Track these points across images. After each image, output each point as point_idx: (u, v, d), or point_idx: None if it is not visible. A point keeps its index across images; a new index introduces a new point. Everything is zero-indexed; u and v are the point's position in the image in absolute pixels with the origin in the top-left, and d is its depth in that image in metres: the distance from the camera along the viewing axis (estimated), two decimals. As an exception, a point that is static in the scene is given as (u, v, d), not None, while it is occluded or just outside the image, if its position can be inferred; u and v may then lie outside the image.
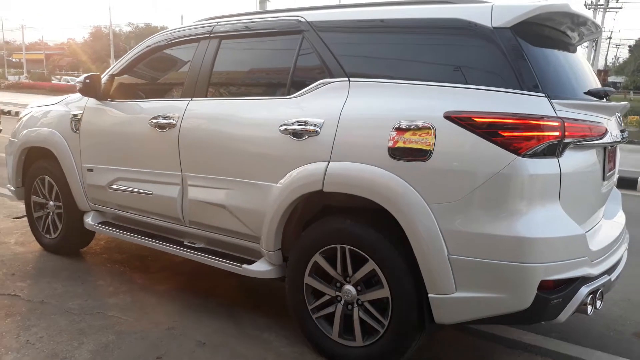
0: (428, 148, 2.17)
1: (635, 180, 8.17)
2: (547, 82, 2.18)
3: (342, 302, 2.51)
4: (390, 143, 2.26)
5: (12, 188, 4.27)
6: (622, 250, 2.59)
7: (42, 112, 4.05)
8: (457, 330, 2.94)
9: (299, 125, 2.54)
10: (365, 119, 2.41)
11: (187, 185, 3.05)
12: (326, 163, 2.43)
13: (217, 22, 3.19)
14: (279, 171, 2.61)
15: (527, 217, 2.06)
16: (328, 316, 2.58)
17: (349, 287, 2.48)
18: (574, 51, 2.67)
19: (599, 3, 37.33)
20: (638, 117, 20.48)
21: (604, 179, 2.53)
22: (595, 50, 36.83)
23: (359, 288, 2.46)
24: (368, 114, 2.41)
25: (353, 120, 2.42)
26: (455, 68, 2.30)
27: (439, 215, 2.15)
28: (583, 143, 2.23)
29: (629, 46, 55.31)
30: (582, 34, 2.66)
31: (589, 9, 37.57)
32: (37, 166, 4.05)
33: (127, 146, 3.40)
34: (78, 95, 3.68)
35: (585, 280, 2.18)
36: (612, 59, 62.72)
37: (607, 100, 2.67)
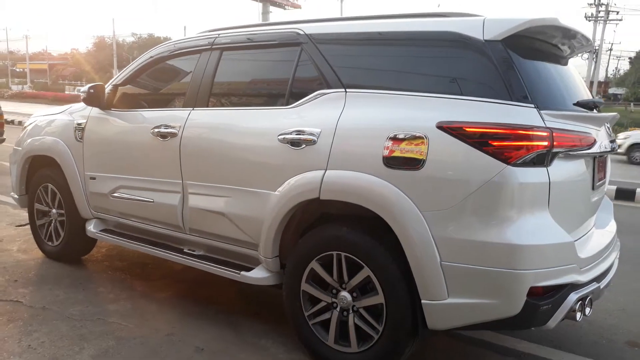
0: (421, 157, 2.23)
1: (634, 192, 8.22)
2: (537, 93, 2.25)
3: (338, 309, 2.56)
4: (385, 152, 2.32)
5: (16, 196, 4.34)
6: (612, 259, 2.64)
7: (46, 121, 4.13)
8: (450, 337, 2.98)
9: (297, 134, 2.60)
10: (361, 129, 2.47)
11: (188, 193, 3.11)
12: (323, 171, 2.49)
13: (219, 34, 3.27)
14: (277, 179, 2.67)
15: (517, 224, 2.11)
16: (324, 322, 2.62)
17: (344, 294, 2.53)
18: (565, 63, 2.74)
19: (599, 15, 37.59)
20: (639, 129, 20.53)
21: (593, 188, 2.59)
22: (595, 62, 37.07)
23: (354, 294, 2.51)
24: (364, 124, 2.47)
25: (349, 129, 2.49)
26: (448, 79, 2.37)
27: (431, 223, 2.21)
28: (572, 153, 2.29)
29: (630, 58, 55.60)
30: (573, 46, 2.73)
31: (589, 20, 37.85)
32: (41, 174, 4.12)
33: (129, 155, 3.47)
34: (82, 104, 3.76)
35: (574, 287, 2.23)
36: (613, 70, 63.01)
37: (597, 111, 2.73)
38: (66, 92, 41.67)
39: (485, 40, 2.29)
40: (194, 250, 3.24)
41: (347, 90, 2.58)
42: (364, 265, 2.42)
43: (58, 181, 3.95)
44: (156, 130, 3.22)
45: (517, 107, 2.17)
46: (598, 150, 2.47)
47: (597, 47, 36.85)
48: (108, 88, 3.68)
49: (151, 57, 3.60)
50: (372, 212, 2.35)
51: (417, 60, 2.52)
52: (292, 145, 2.62)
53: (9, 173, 4.58)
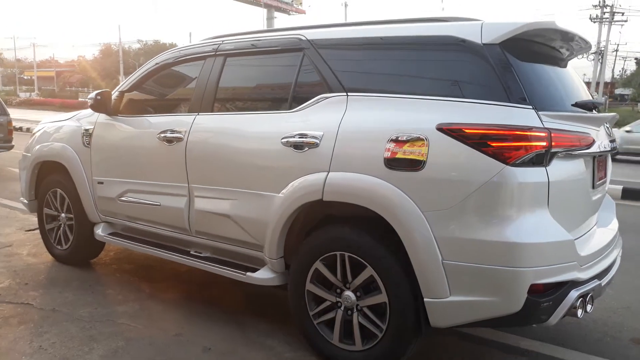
0: (422, 158, 2.28)
1: (640, 192, 8.21)
2: (535, 95, 2.29)
3: (342, 308, 2.60)
4: (387, 154, 2.37)
5: (25, 201, 4.42)
6: (613, 256, 2.67)
7: (54, 127, 4.20)
8: (453, 335, 3.01)
9: (299, 137, 2.66)
10: (363, 132, 2.52)
11: (194, 196, 3.17)
12: (325, 173, 2.54)
13: (223, 41, 3.33)
14: (281, 182, 2.72)
15: (517, 223, 2.15)
16: (329, 321, 2.67)
17: (348, 293, 2.57)
18: (564, 65, 2.78)
19: (604, 16, 37.46)
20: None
21: (593, 187, 2.62)
22: (601, 63, 36.91)
23: (358, 294, 2.55)
24: (365, 127, 2.52)
25: (351, 132, 2.54)
26: (448, 82, 2.42)
27: (432, 223, 2.25)
28: (571, 153, 2.33)
29: (636, 59, 55.32)
30: (572, 48, 2.76)
31: (594, 22, 37.71)
32: (50, 180, 4.19)
33: (136, 159, 3.54)
34: (89, 111, 3.83)
35: (574, 284, 2.26)
36: (620, 71, 62.71)
37: (596, 111, 2.76)
38: (80, 99, 41.78)
39: (484, 44, 2.34)
40: (200, 252, 3.29)
41: (349, 94, 2.63)
42: (367, 265, 2.47)
43: (67, 186, 4.02)
44: (162, 135, 3.29)
45: (515, 108, 2.21)
46: (597, 150, 2.51)
47: (602, 49, 36.72)
48: (115, 94, 3.75)
49: (157, 63, 3.67)
50: (374, 212, 2.40)
51: (417, 64, 2.57)
52: (295, 148, 2.67)
53: (17, 179, 4.66)
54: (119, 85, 3.89)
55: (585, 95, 2.76)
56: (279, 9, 36.34)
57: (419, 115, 2.37)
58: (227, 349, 2.84)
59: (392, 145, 2.36)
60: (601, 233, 2.73)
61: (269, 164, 2.81)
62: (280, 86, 3.07)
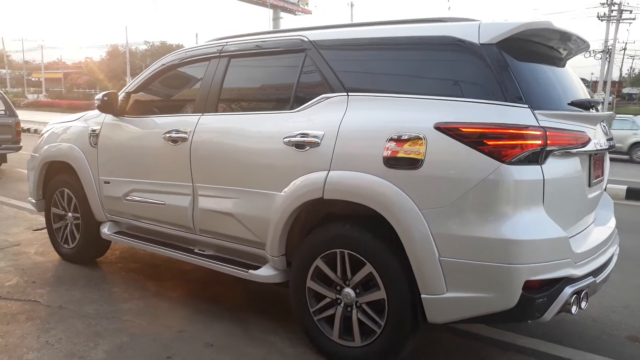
0: (420, 157, 2.32)
1: (643, 191, 8.20)
2: (531, 94, 2.32)
3: (342, 305, 2.65)
4: (386, 153, 2.41)
5: (33, 200, 4.50)
6: (609, 254, 2.70)
7: (62, 128, 4.28)
8: (450, 332, 3.05)
9: (301, 137, 2.71)
10: (362, 131, 2.57)
11: (198, 195, 3.23)
12: (326, 172, 2.59)
13: (227, 42, 3.39)
14: (282, 180, 2.77)
15: (513, 220, 2.19)
16: (329, 318, 2.71)
17: (348, 290, 2.61)
18: (563, 65, 2.81)
19: (612, 14, 37.23)
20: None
21: (589, 186, 2.65)
22: (609, 62, 36.68)
23: (357, 291, 2.59)
24: (365, 126, 2.57)
25: (351, 132, 2.58)
26: (446, 82, 2.46)
27: (430, 220, 2.29)
28: (566, 151, 2.36)
29: (644, 57, 54.92)
30: (570, 48, 2.79)
31: (602, 20, 37.49)
32: (57, 179, 4.27)
33: (141, 159, 3.60)
34: (96, 111, 3.90)
35: (569, 280, 2.29)
36: (628, 70, 62.29)
37: (594, 110, 2.79)
38: (92, 101, 42.09)
39: (481, 44, 2.38)
40: (204, 250, 3.35)
41: (349, 94, 2.68)
42: (366, 262, 2.51)
43: (74, 186, 4.09)
44: (167, 135, 3.35)
45: (511, 107, 2.25)
46: (593, 149, 2.54)
47: (610, 47, 36.50)
48: (121, 95, 3.82)
49: (162, 65, 3.73)
50: (374, 210, 2.44)
51: (416, 64, 2.61)
52: (296, 147, 2.72)
53: (25, 179, 4.74)
54: (126, 86, 3.96)
55: (583, 94, 2.79)
56: (285, 9, 36.45)
57: (418, 114, 2.42)
58: (229, 344, 2.89)
59: (391, 144, 2.40)
60: (598, 231, 2.75)
61: (271, 163, 2.86)
62: (283, 86, 3.12)
